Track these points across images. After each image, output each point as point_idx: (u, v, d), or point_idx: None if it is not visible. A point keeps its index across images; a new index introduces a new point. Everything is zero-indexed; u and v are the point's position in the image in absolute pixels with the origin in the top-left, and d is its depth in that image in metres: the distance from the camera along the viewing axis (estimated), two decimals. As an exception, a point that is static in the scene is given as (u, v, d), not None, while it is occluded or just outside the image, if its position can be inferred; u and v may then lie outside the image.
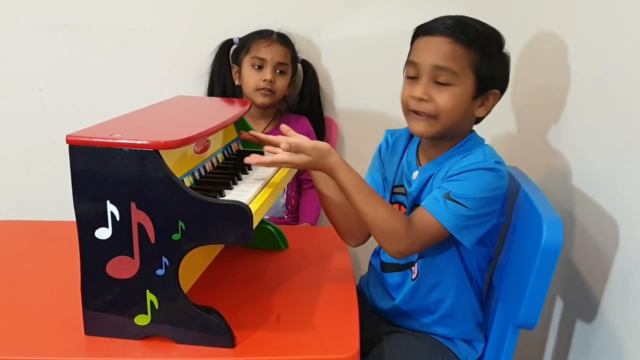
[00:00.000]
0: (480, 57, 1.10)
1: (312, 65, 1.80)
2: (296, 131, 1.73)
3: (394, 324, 1.24)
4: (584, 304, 1.19)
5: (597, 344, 1.13)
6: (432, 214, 1.07)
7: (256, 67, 1.70)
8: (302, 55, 1.80)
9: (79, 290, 0.94)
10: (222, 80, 1.77)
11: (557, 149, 1.33)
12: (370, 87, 1.82)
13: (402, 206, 1.22)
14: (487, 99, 1.14)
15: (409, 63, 1.15)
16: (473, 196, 1.06)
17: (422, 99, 1.11)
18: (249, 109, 1.25)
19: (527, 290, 1.00)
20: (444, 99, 1.10)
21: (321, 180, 1.17)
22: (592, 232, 1.18)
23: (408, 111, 1.15)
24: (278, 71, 1.71)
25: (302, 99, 1.82)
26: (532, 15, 1.54)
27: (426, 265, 1.17)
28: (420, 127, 1.13)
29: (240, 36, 1.76)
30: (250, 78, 1.70)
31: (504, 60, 1.16)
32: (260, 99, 1.70)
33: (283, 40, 1.73)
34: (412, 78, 1.14)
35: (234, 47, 1.78)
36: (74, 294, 0.94)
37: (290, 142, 1.03)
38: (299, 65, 1.80)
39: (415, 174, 1.20)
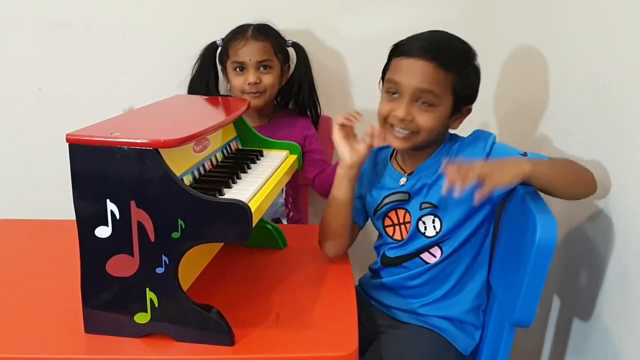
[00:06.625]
0: (458, 78, 1.14)
1: (303, 47, 1.71)
2: (291, 134, 1.55)
3: (391, 317, 1.25)
4: (581, 303, 1.19)
5: (593, 342, 1.14)
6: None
7: (238, 70, 1.61)
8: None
9: (78, 289, 0.94)
10: (205, 86, 1.69)
11: (552, 148, 1.34)
12: (369, 85, 1.81)
13: (406, 212, 1.23)
14: (462, 115, 1.19)
15: (389, 80, 1.17)
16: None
17: (403, 119, 1.14)
18: (248, 108, 1.25)
19: (522, 289, 1.00)
20: (425, 120, 1.14)
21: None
22: (588, 231, 1.19)
23: (387, 124, 1.19)
24: (262, 67, 1.60)
25: (291, 82, 1.70)
26: (532, 15, 1.55)
27: (450, 244, 1.18)
28: (398, 143, 1.18)
29: (223, 37, 1.68)
30: (235, 82, 1.63)
31: (476, 75, 1.20)
32: (250, 102, 1.61)
33: (260, 34, 1.61)
34: (392, 94, 1.17)
35: (219, 49, 1.70)
36: (73, 292, 0.95)
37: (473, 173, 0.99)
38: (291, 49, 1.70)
39: (402, 180, 1.23)
